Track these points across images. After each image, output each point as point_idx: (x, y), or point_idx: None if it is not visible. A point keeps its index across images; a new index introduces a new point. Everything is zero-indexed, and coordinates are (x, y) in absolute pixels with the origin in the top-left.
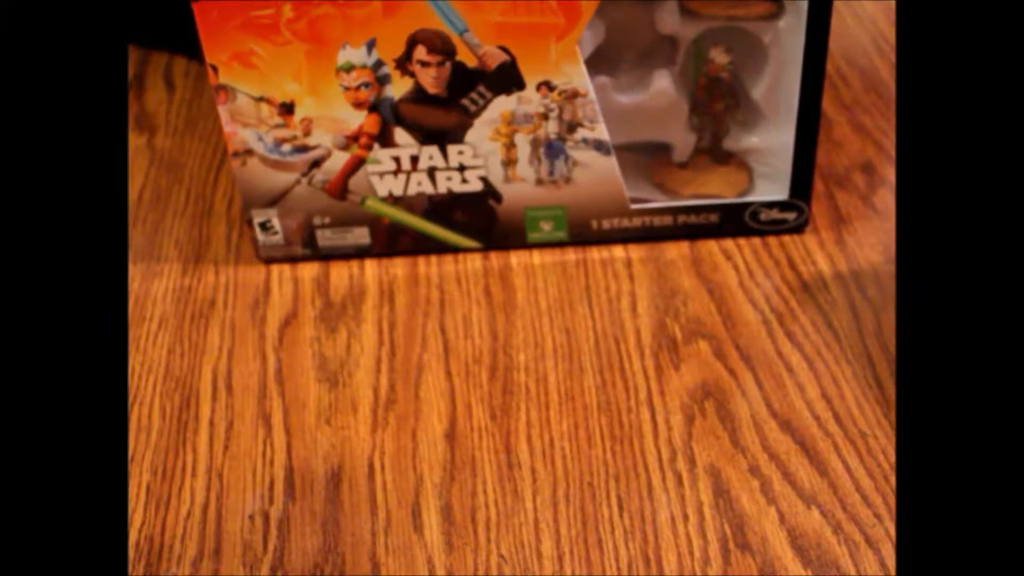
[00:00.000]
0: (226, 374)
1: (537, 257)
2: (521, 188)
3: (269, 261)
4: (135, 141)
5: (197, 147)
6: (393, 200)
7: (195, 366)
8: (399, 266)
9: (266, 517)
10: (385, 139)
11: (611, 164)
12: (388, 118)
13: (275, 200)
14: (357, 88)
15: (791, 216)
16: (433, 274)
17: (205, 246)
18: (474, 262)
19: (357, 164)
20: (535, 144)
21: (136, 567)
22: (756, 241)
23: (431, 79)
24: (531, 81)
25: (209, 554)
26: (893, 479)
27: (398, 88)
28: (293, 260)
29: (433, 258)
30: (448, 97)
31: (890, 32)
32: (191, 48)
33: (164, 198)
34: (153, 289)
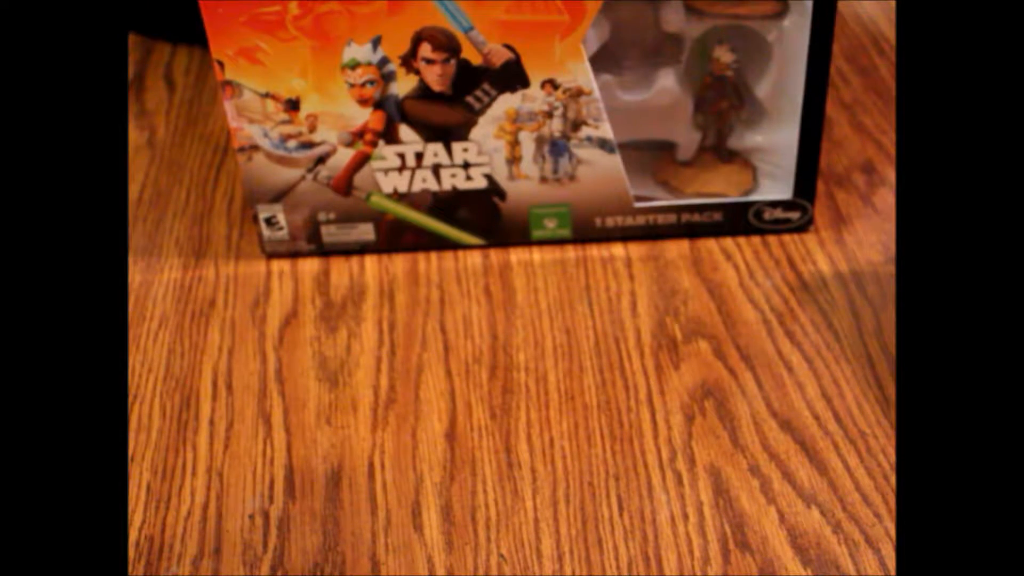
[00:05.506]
0: (226, 373)
1: (537, 255)
2: (525, 185)
3: (273, 256)
4: (135, 139)
5: (197, 146)
6: (398, 196)
7: (195, 365)
8: (399, 264)
9: (266, 516)
10: (390, 136)
11: (615, 162)
12: (393, 115)
13: (280, 195)
14: (362, 85)
15: (795, 215)
16: (433, 272)
17: (205, 245)
18: (474, 260)
19: (362, 160)
20: (539, 142)
21: (136, 566)
22: (756, 241)
23: (436, 76)
24: (535, 79)
25: (209, 553)
26: (893, 479)
27: (403, 85)
28: (297, 255)
29: (433, 256)
30: (453, 94)
31: (890, 32)
32: (192, 36)
33: (164, 197)
34: (153, 288)
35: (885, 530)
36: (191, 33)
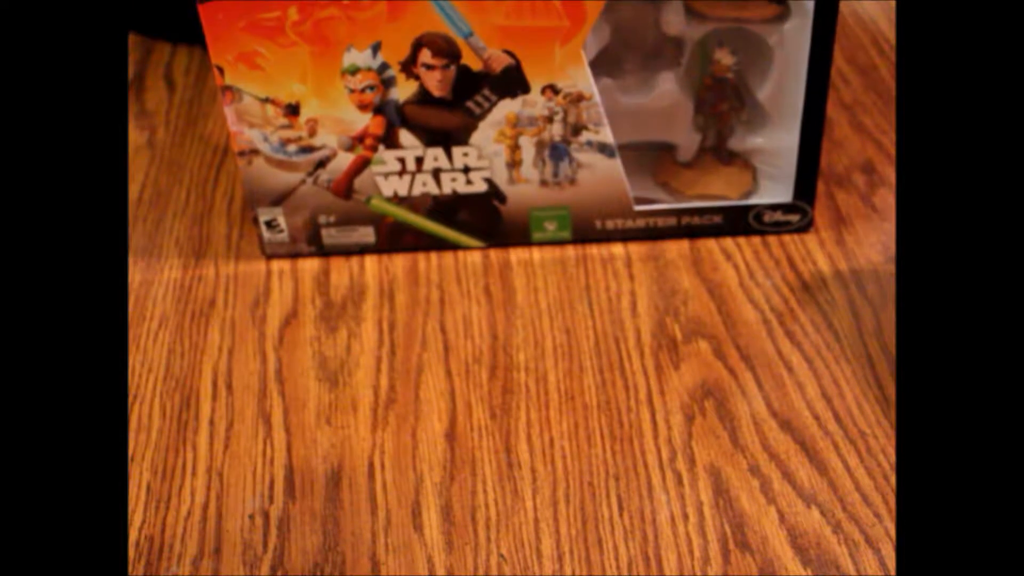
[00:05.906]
0: (226, 373)
1: (537, 255)
2: (525, 189)
3: (273, 258)
4: (135, 140)
5: (197, 146)
6: (398, 200)
7: (195, 365)
8: (399, 264)
9: (266, 516)
10: (390, 140)
11: (615, 166)
12: (393, 120)
13: (281, 199)
14: (362, 90)
15: (795, 218)
16: (433, 272)
17: (205, 245)
18: (474, 260)
19: (362, 164)
20: (539, 146)
21: (136, 566)
22: (756, 241)
23: (436, 82)
24: (536, 84)
25: (209, 553)
26: (893, 479)
27: (403, 90)
28: (298, 257)
29: (433, 256)
30: (453, 100)
31: (890, 32)
32: (192, 36)
33: (164, 197)
34: (153, 288)
35: (885, 530)
36: (191, 33)
